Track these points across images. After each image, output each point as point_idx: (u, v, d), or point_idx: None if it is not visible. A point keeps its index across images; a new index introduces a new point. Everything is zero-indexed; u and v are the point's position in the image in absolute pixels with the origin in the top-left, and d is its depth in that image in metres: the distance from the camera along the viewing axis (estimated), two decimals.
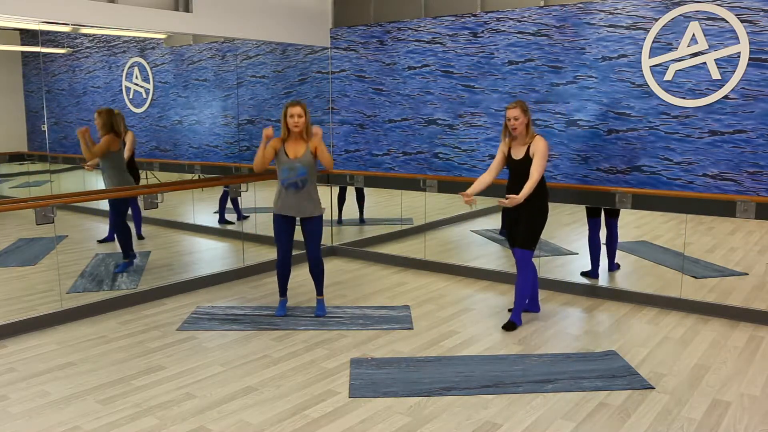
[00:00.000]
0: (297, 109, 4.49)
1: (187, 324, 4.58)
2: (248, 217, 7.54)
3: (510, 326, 4.45)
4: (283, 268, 4.76)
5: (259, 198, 7.48)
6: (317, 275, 4.78)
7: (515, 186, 4.38)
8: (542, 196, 4.42)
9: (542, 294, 5.29)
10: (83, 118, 7.09)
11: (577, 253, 6.35)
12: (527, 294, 4.54)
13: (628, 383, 3.58)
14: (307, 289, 5.35)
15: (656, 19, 4.63)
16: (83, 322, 4.62)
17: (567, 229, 7.11)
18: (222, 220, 7.63)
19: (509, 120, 4.37)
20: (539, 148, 4.33)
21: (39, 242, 6.41)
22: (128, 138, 6.12)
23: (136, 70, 6.96)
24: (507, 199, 4.27)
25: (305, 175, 4.54)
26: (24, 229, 6.44)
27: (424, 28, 5.76)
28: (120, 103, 7.04)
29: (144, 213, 6.68)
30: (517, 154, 4.42)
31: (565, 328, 4.49)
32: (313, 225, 4.66)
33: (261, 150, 4.53)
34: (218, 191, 7.60)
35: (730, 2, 4.35)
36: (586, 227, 5.51)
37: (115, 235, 5.80)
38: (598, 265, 5.52)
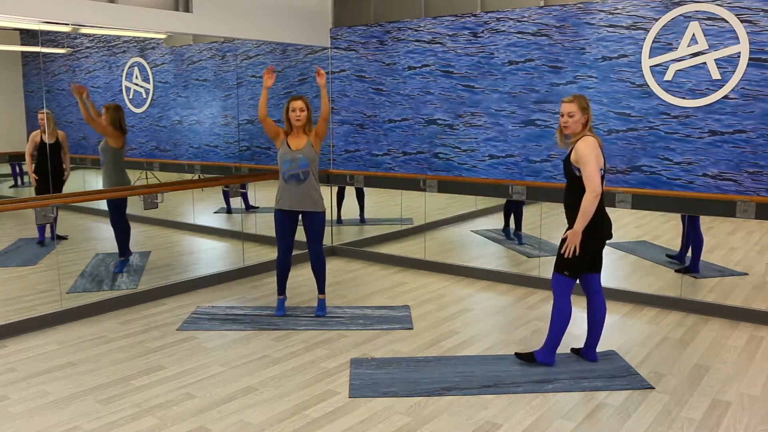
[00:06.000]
0: (299, 103, 4.52)
1: (187, 324, 4.58)
2: (257, 208, 7.48)
3: (526, 357, 3.86)
4: (283, 265, 4.76)
5: (260, 197, 7.49)
6: (319, 271, 4.78)
7: (564, 192, 3.75)
8: (595, 212, 3.56)
9: (542, 294, 5.29)
10: (83, 118, 7.09)
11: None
12: (557, 327, 3.74)
13: (628, 383, 3.58)
14: (308, 289, 5.35)
15: (656, 19, 4.63)
16: (83, 322, 4.62)
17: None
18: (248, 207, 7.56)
19: (562, 116, 3.64)
20: (579, 152, 3.52)
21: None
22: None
23: (136, 70, 6.96)
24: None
25: (306, 167, 4.55)
26: (24, 229, 6.44)
27: (424, 28, 5.76)
28: (120, 103, 7.03)
29: (144, 213, 6.68)
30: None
31: (572, 329, 4.48)
32: (315, 222, 4.66)
33: (264, 93, 4.59)
34: (218, 191, 7.60)
35: (730, 2, 4.35)
36: None
37: (114, 233, 5.79)
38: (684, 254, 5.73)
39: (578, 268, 3.68)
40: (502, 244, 6.84)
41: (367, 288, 5.52)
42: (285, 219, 4.66)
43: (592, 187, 3.47)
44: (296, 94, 4.75)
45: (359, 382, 3.60)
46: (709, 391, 3.50)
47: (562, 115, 3.62)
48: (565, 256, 3.61)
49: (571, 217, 3.67)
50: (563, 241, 3.66)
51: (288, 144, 4.58)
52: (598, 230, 3.64)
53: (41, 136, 6.08)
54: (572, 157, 3.59)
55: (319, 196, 4.67)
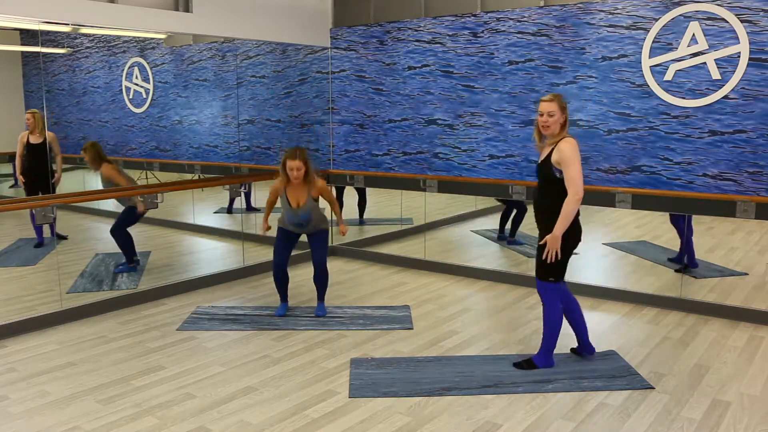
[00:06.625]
0: (296, 163, 4.41)
1: (187, 324, 4.58)
2: (259, 210, 7.48)
3: (525, 365, 3.80)
4: (279, 275, 4.75)
5: (260, 198, 7.49)
6: (320, 283, 4.79)
7: (537, 194, 3.68)
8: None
9: None
10: (83, 118, 7.10)
11: (578, 253, 6.34)
12: (551, 331, 3.73)
13: (628, 383, 3.58)
14: (307, 289, 5.35)
15: (656, 19, 4.63)
16: (83, 322, 4.62)
17: None
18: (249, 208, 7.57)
19: (541, 115, 3.54)
20: (563, 153, 3.43)
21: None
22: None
23: (136, 70, 6.96)
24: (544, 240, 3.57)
25: (308, 217, 4.61)
26: (24, 229, 6.44)
27: (424, 28, 5.76)
28: (120, 103, 7.04)
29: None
30: (542, 155, 3.64)
31: (565, 328, 4.47)
32: (319, 236, 4.72)
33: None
34: (218, 191, 7.59)
35: (730, 2, 4.35)
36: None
37: (117, 242, 5.75)
38: (683, 255, 5.62)
39: (562, 271, 3.65)
40: (501, 244, 6.84)
41: (367, 288, 5.52)
42: (286, 236, 4.72)
43: (576, 189, 3.42)
44: (291, 150, 4.47)
45: (359, 382, 3.60)
46: (709, 391, 3.50)
47: (542, 115, 3.51)
48: (548, 261, 3.57)
49: (542, 220, 3.62)
50: (541, 247, 3.58)
51: (288, 200, 4.56)
52: (576, 231, 3.61)
53: (28, 137, 6.07)
54: (554, 158, 3.49)
55: (323, 218, 4.71)
